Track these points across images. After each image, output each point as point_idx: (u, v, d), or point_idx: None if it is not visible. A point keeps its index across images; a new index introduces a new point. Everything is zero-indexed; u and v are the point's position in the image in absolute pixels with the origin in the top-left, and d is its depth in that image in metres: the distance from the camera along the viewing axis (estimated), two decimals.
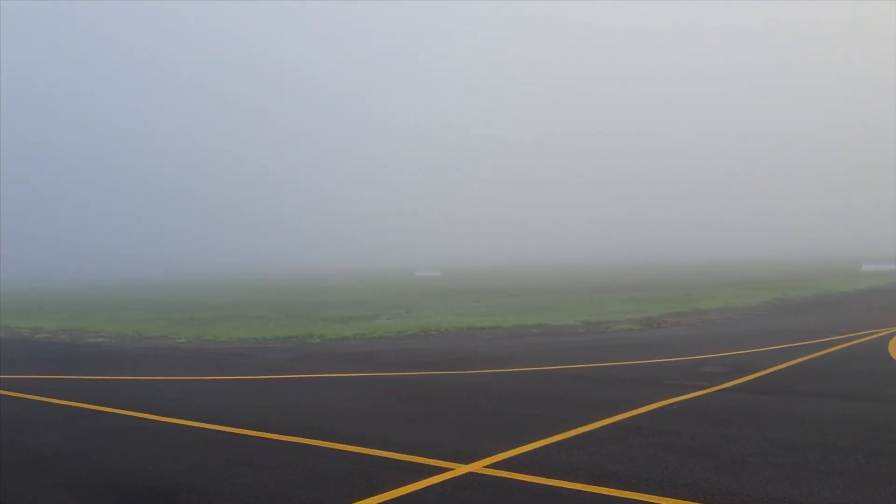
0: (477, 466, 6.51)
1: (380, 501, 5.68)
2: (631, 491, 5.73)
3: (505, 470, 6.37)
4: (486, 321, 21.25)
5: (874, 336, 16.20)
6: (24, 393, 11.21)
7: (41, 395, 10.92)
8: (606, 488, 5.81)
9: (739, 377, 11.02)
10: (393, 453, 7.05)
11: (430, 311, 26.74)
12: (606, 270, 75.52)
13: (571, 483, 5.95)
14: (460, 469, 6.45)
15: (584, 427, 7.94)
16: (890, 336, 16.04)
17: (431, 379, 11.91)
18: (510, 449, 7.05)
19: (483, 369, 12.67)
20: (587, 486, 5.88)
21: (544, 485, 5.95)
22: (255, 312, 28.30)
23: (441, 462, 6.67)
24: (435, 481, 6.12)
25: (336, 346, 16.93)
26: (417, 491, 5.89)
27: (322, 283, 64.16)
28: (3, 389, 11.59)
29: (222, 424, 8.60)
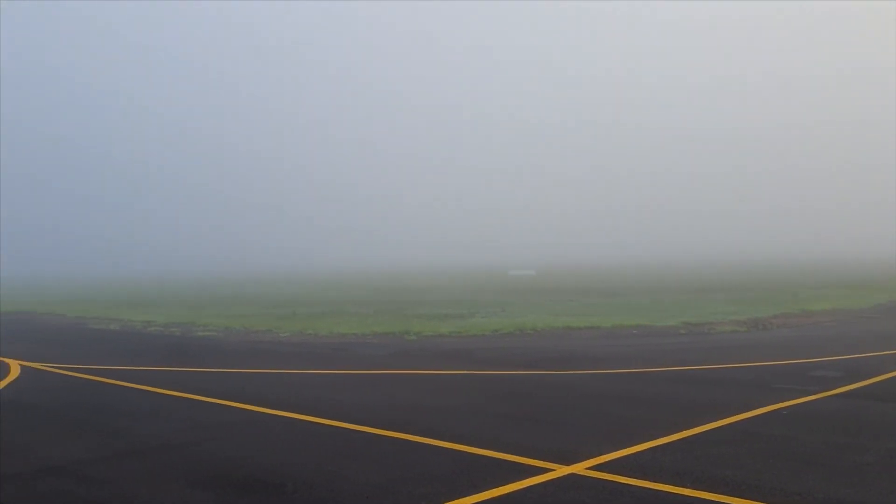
0: (579, 468, 6.45)
1: (482, 500, 5.70)
2: (740, 497, 5.57)
3: (608, 472, 6.29)
4: (583, 321, 21.01)
5: None
6: (140, 384, 11.78)
7: (156, 387, 11.45)
8: (715, 494, 5.66)
9: (854, 382, 10.52)
10: (493, 452, 7.06)
11: (526, 309, 26.64)
12: (702, 269, 73.36)
13: (678, 488, 5.82)
14: (562, 470, 6.40)
15: (689, 430, 7.75)
16: None
17: (529, 378, 11.86)
18: (613, 451, 6.95)
19: (582, 370, 12.54)
20: (694, 491, 5.74)
21: (649, 489, 5.84)
22: (351, 309, 28.85)
23: (542, 462, 6.64)
24: (536, 482, 6.10)
25: (432, 343, 17.08)
26: (519, 490, 5.89)
27: (415, 281, 64.83)
28: (121, 380, 12.22)
29: (326, 418, 8.81)
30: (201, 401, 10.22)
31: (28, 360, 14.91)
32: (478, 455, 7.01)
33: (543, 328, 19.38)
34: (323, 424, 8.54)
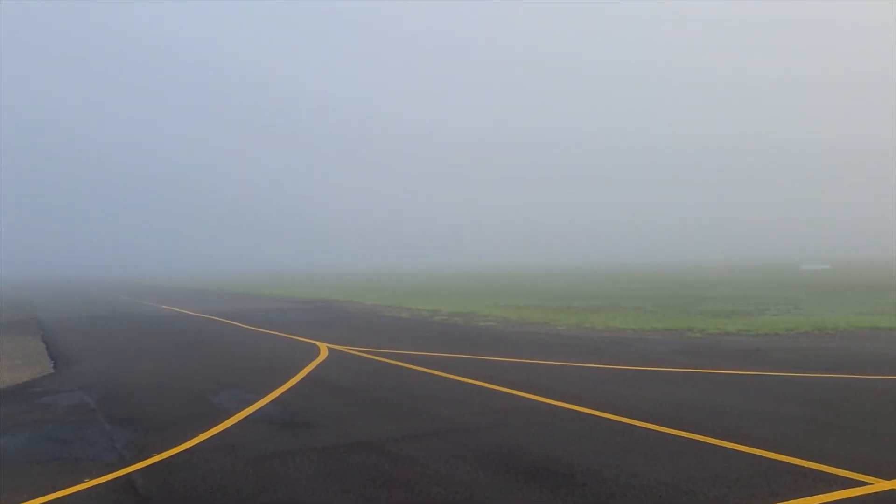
0: None
1: None
2: None
3: None
4: (893, 320, 18.79)
5: None
6: (431, 368, 12.53)
7: (445, 372, 12.11)
8: None
9: None
10: (795, 459, 6.54)
11: (823, 307, 24.43)
12: None
13: None
14: (881, 485, 5.76)
15: None
16: None
17: (832, 381, 10.83)
18: None
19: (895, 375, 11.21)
20: None
21: None
22: (629, 303, 28.37)
23: (855, 474, 6.02)
24: (850, 495, 5.55)
25: (718, 340, 16.26)
26: (832, 503, 5.39)
27: (695, 275, 62.18)
28: (414, 364, 13.07)
29: (608, 412, 8.73)
30: (488, 388, 10.62)
31: (334, 343, 16.52)
32: (778, 461, 6.53)
33: (846, 328, 17.63)
34: (606, 418, 8.48)
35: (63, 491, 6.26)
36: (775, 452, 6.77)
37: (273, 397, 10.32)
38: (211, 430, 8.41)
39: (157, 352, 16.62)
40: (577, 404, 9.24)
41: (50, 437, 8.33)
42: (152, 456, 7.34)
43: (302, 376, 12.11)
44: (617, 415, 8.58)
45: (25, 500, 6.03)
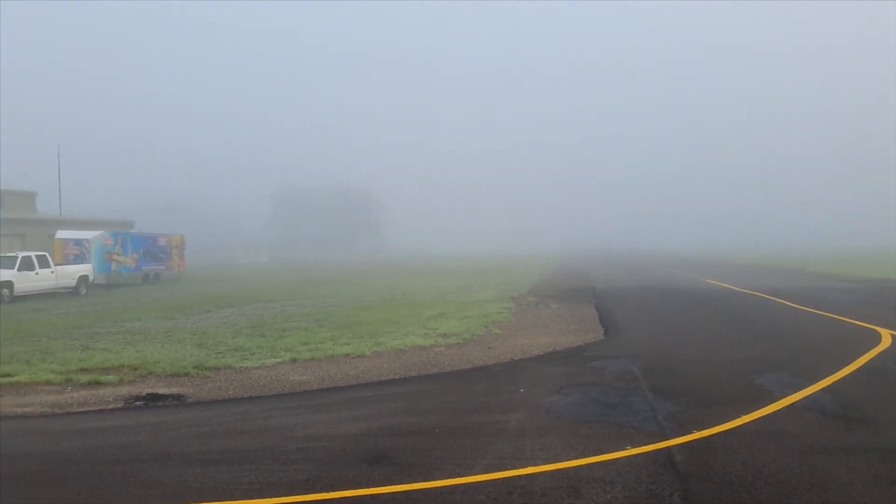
0: None
1: None
2: None
3: None
4: None
5: None
6: None
7: None
8: None
9: None
10: None
11: None
12: None
13: None
14: None
15: None
16: None
17: None
18: None
19: None
20: None
21: None
22: None
23: None
24: None
25: None
26: None
27: None
28: None
29: None
30: None
31: None
32: None
33: None
34: None
35: (607, 455, 6.55)
36: None
37: (824, 385, 9.40)
38: (754, 412, 8.00)
39: (700, 325, 16.63)
40: None
41: (597, 399, 8.86)
42: (692, 432, 7.25)
43: (858, 365, 10.81)
44: None
45: (575, 458, 6.46)
